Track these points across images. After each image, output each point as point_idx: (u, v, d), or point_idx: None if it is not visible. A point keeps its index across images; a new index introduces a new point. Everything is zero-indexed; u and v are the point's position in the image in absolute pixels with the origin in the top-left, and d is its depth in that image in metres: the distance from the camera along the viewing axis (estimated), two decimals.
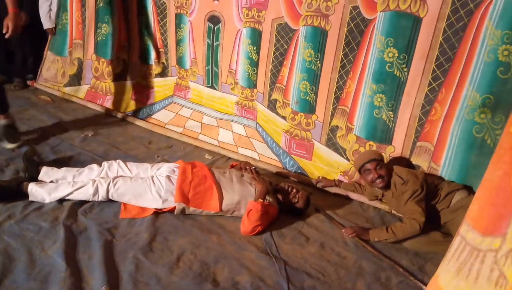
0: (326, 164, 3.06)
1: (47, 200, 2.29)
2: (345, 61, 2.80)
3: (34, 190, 2.29)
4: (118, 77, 4.01)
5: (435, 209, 2.46)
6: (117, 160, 2.59)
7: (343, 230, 2.46)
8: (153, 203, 2.36)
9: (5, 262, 1.80)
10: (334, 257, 2.22)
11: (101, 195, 2.35)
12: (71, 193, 2.31)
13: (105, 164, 2.56)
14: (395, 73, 2.59)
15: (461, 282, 1.16)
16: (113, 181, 2.37)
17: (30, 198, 2.27)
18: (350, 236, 2.40)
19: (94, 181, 2.36)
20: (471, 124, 2.36)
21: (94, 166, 2.54)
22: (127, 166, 2.57)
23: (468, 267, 1.15)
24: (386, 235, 2.35)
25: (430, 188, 2.43)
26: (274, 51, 3.11)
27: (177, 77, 3.79)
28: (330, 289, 1.97)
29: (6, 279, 1.72)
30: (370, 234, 2.39)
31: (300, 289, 1.95)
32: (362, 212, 2.76)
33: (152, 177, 2.42)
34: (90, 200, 2.35)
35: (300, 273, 2.05)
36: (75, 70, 4.24)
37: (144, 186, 2.37)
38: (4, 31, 2.69)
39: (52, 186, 2.34)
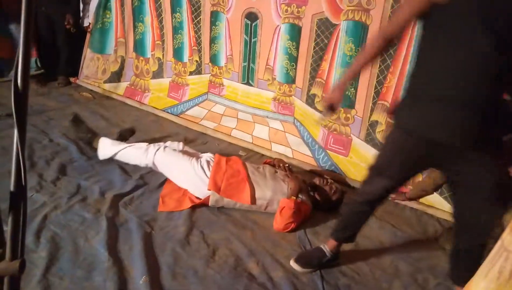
0: (362, 160, 3.01)
1: (108, 151, 2.69)
2: (385, 55, 2.75)
3: (104, 139, 2.77)
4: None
5: None
6: (179, 142, 2.87)
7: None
8: (190, 184, 2.48)
9: (52, 250, 1.90)
10: (369, 257, 2.19)
11: (150, 154, 2.57)
12: (126, 147, 2.67)
13: (168, 142, 2.86)
14: None
15: (491, 285, 1.11)
16: (164, 149, 2.58)
17: (100, 144, 2.74)
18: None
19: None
20: None
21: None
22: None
23: (498, 268, 1.10)
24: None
25: None
26: (314, 46, 3.09)
27: (210, 74, 3.83)
28: (366, 288, 1.95)
29: (54, 266, 1.81)
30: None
31: (335, 287, 1.94)
32: (398, 212, 2.70)
33: (197, 160, 2.57)
34: (139, 162, 2.62)
35: (334, 272, 2.04)
36: (117, 67, 4.38)
37: (188, 165, 2.50)
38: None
39: (116, 142, 2.78)
